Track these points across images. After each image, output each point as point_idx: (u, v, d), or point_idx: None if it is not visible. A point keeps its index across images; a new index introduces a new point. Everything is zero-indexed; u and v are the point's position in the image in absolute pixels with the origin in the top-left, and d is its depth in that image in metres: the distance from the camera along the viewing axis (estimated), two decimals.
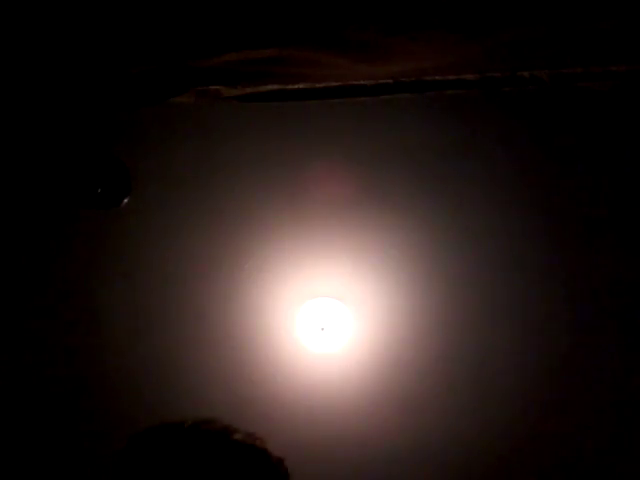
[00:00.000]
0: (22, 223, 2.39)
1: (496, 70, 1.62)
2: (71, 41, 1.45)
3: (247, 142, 2.33)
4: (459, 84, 1.66)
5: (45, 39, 1.44)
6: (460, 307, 2.55)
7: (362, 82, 1.70)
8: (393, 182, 2.40)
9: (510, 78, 1.62)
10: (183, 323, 2.61)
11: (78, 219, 2.40)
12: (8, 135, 1.90)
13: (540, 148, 2.34)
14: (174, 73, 1.59)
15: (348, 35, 1.43)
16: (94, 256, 2.51)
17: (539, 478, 2.74)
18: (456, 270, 2.51)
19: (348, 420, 2.72)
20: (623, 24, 1.42)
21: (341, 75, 1.67)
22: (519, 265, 2.50)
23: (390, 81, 1.67)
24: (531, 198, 2.41)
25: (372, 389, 2.66)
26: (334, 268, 2.55)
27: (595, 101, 2.15)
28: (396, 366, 2.63)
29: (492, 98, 2.15)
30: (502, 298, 2.54)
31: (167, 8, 1.36)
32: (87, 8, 1.35)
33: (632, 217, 2.39)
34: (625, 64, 1.59)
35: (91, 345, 2.62)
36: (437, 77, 1.66)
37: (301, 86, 1.72)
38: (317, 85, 1.71)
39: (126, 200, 2.10)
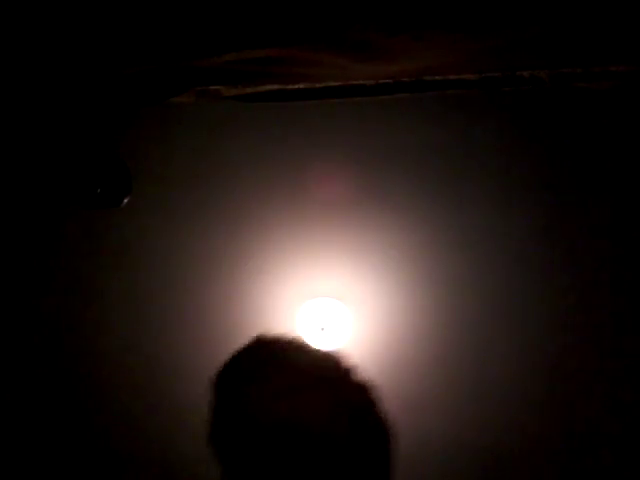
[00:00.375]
0: (22, 223, 2.39)
1: (496, 70, 1.63)
2: (71, 41, 1.45)
3: (247, 142, 2.34)
4: (459, 84, 1.66)
5: (45, 39, 1.44)
6: (460, 307, 2.55)
7: (362, 82, 1.70)
8: (393, 182, 2.40)
9: (510, 78, 1.63)
10: (183, 323, 2.61)
11: (78, 219, 2.40)
12: (9, 135, 1.90)
13: (540, 148, 2.34)
14: (174, 73, 1.59)
15: (348, 35, 1.43)
16: (94, 256, 2.51)
17: (539, 478, 2.74)
18: (456, 270, 2.51)
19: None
20: (623, 24, 1.42)
21: (341, 75, 1.68)
22: (519, 265, 2.50)
23: (390, 81, 1.67)
24: (531, 198, 2.41)
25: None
26: (334, 268, 2.55)
27: (595, 101, 2.15)
28: (396, 366, 2.63)
29: (492, 98, 2.15)
30: (502, 298, 2.54)
31: (167, 8, 1.37)
32: (87, 8, 1.35)
33: (632, 217, 2.39)
34: (625, 64, 1.59)
35: (91, 345, 2.63)
36: (437, 77, 1.66)
37: (301, 86, 1.72)
38: (317, 85, 1.72)
39: (126, 200, 2.10)
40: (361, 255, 2.51)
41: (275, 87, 1.72)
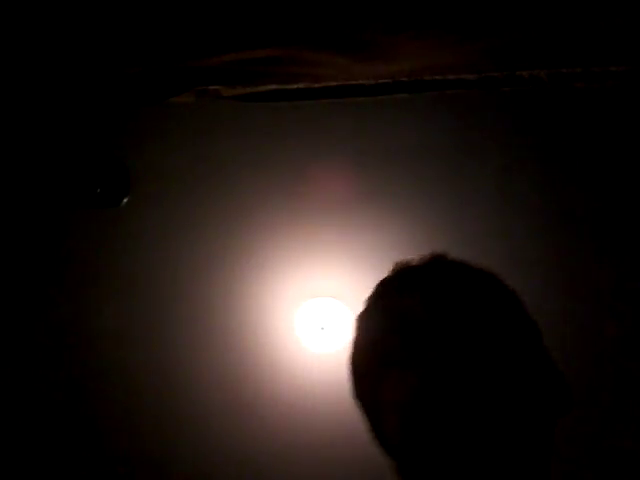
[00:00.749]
0: (21, 223, 2.39)
1: (495, 70, 1.63)
2: (70, 41, 1.45)
3: (247, 142, 2.34)
4: (458, 84, 1.66)
5: (45, 39, 1.44)
6: None
7: (362, 82, 1.70)
8: (392, 182, 2.40)
9: (509, 78, 1.63)
10: (182, 323, 2.61)
11: (78, 219, 2.40)
12: (8, 135, 1.90)
13: (539, 148, 2.34)
14: (174, 73, 1.59)
15: (348, 35, 1.43)
16: (93, 256, 2.51)
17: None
18: None
19: (347, 419, 2.71)
20: (623, 24, 1.42)
21: (341, 75, 1.68)
22: (519, 265, 2.50)
23: (390, 81, 1.67)
24: (530, 198, 2.41)
25: None
26: (334, 268, 2.55)
27: (594, 101, 2.15)
28: None
29: (491, 98, 2.15)
30: None
31: (167, 8, 1.37)
32: (87, 8, 1.35)
33: (633, 217, 2.39)
34: (625, 64, 1.59)
35: (90, 344, 2.63)
36: (436, 77, 1.66)
37: (301, 86, 1.72)
38: (317, 85, 1.72)
39: (126, 200, 2.10)
40: (361, 255, 2.51)
41: (275, 87, 1.72)
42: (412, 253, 2.65)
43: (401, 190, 2.42)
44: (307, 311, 2.60)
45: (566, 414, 0.91)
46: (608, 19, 1.41)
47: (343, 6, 1.35)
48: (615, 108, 2.18)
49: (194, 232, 2.48)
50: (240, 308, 2.60)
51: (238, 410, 2.73)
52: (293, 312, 2.61)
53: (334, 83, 1.71)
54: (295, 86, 1.72)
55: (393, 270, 1.02)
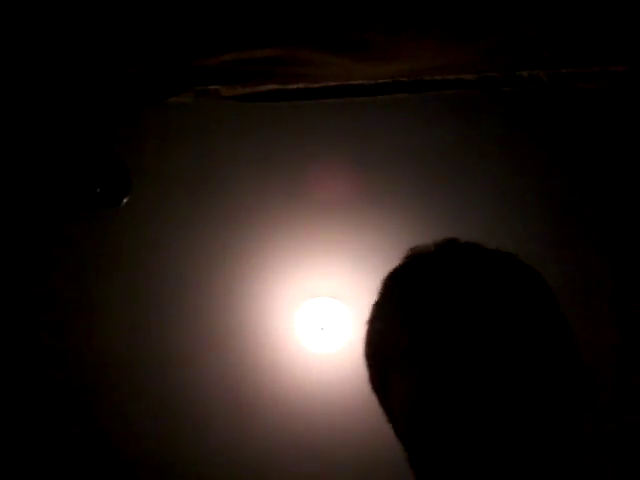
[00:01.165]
0: (21, 223, 2.39)
1: (495, 70, 1.63)
2: (70, 41, 1.45)
3: (247, 142, 2.33)
4: (458, 84, 1.66)
5: (45, 39, 1.44)
6: None
7: (362, 82, 1.70)
8: (392, 182, 2.40)
9: (509, 78, 1.63)
10: (182, 323, 2.61)
11: (78, 219, 2.40)
12: (8, 135, 1.90)
13: (539, 148, 2.34)
14: (174, 73, 1.59)
15: (348, 35, 1.43)
16: (93, 256, 2.51)
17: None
18: None
19: (347, 419, 2.72)
20: (622, 24, 1.42)
21: (341, 75, 1.67)
22: None
23: (389, 81, 1.67)
24: (531, 198, 2.41)
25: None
26: (334, 268, 2.55)
27: (594, 101, 2.15)
28: None
29: (491, 98, 2.15)
30: None
31: (167, 8, 1.37)
32: (86, 8, 1.35)
33: (632, 216, 2.39)
34: (625, 64, 1.59)
35: (90, 345, 2.63)
36: (437, 77, 1.66)
37: (301, 86, 1.72)
38: (317, 85, 1.72)
39: (125, 200, 2.10)
40: (361, 255, 2.51)
41: (275, 87, 1.72)
42: None
43: (401, 190, 2.42)
44: (307, 311, 2.60)
45: (589, 408, 0.89)
46: (608, 19, 1.41)
47: (343, 6, 1.35)
48: (615, 108, 2.18)
49: (194, 232, 2.48)
50: (240, 308, 2.60)
51: (238, 410, 2.73)
52: (293, 312, 2.61)
53: (334, 83, 1.71)
54: (295, 86, 1.72)
55: (406, 258, 0.99)
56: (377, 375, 0.93)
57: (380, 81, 1.68)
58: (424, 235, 2.61)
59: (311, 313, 2.60)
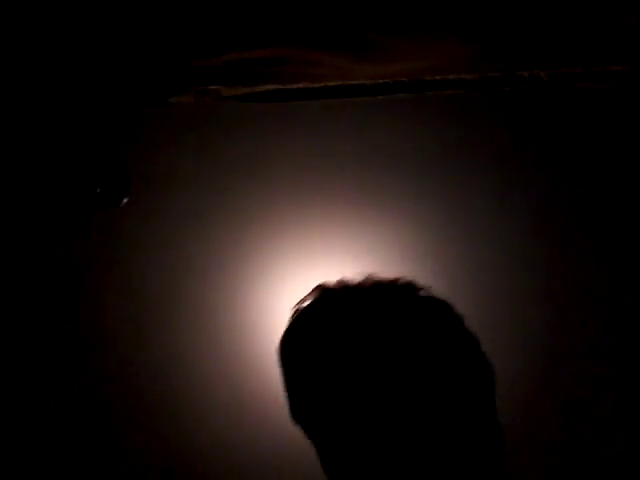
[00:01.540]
0: (21, 223, 2.39)
1: (496, 70, 1.63)
2: (72, 41, 1.45)
3: (247, 142, 2.33)
4: (459, 84, 1.66)
5: (46, 39, 1.44)
6: (460, 308, 2.54)
7: (362, 82, 1.70)
8: (393, 181, 2.40)
9: (510, 78, 1.63)
10: (182, 323, 2.61)
11: (78, 219, 2.40)
12: (9, 136, 1.90)
13: (540, 147, 2.34)
14: (174, 73, 1.59)
15: (348, 35, 1.43)
16: (94, 256, 2.51)
17: (540, 478, 2.74)
18: (456, 270, 2.51)
19: None
20: (623, 24, 1.42)
21: (341, 75, 1.68)
22: (520, 265, 2.50)
23: (390, 81, 1.67)
24: (531, 198, 2.41)
25: None
26: (334, 268, 2.55)
27: (595, 101, 2.15)
28: None
29: (492, 98, 2.15)
30: (502, 298, 2.54)
31: (167, 8, 1.37)
32: (88, 8, 1.35)
33: (632, 216, 2.39)
34: (625, 64, 1.59)
35: (90, 345, 2.63)
36: (437, 77, 1.66)
37: (301, 86, 1.72)
38: (317, 85, 1.72)
39: (125, 200, 2.10)
40: (361, 255, 2.51)
41: (275, 87, 1.72)
42: (412, 253, 2.66)
43: (401, 190, 2.42)
44: None
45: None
46: (608, 19, 1.41)
47: (343, 6, 1.36)
48: (615, 108, 2.18)
49: (194, 232, 2.48)
50: (240, 308, 2.60)
51: (238, 410, 2.73)
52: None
53: (334, 83, 1.71)
54: (295, 86, 1.72)
55: (312, 294, 0.99)
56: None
57: (380, 81, 1.68)
58: (424, 235, 2.62)
59: None
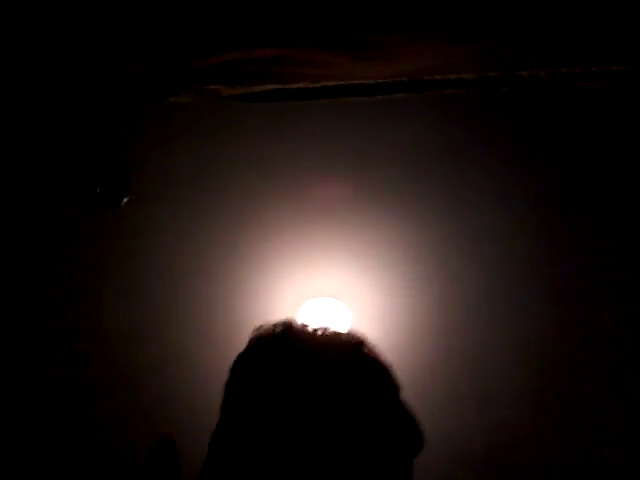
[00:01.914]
0: (21, 223, 2.39)
1: (495, 70, 1.63)
2: (71, 41, 1.45)
3: (247, 142, 2.33)
4: (459, 84, 1.66)
5: (46, 39, 1.44)
6: (460, 307, 2.54)
7: (362, 82, 1.70)
8: (393, 181, 2.40)
9: (509, 78, 1.63)
10: (182, 323, 2.61)
11: (78, 219, 2.40)
12: (8, 135, 1.90)
13: (539, 148, 2.34)
14: (174, 73, 1.59)
15: (348, 35, 1.43)
16: (94, 256, 2.51)
17: (539, 478, 2.74)
18: (456, 270, 2.51)
19: None
20: (623, 24, 1.42)
21: (341, 75, 1.68)
22: (519, 265, 2.50)
23: (390, 81, 1.67)
24: (530, 198, 2.41)
25: None
26: (334, 268, 2.55)
27: (594, 101, 2.15)
28: (395, 366, 2.62)
29: (492, 98, 2.15)
30: (502, 298, 2.54)
31: (167, 8, 1.36)
32: (87, 8, 1.35)
33: (633, 216, 2.39)
34: (624, 64, 1.59)
35: (90, 345, 2.62)
36: (437, 77, 1.66)
37: (301, 86, 1.72)
38: (317, 85, 1.72)
39: (125, 200, 2.10)
40: (361, 255, 2.51)
41: (275, 87, 1.72)
42: (412, 253, 2.66)
43: (401, 190, 2.42)
44: (307, 311, 2.60)
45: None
46: (608, 19, 1.41)
47: (343, 6, 1.35)
48: (615, 108, 2.18)
49: (194, 232, 2.48)
50: (240, 308, 2.60)
51: None
52: (293, 312, 2.61)
53: (334, 83, 1.71)
54: (295, 86, 1.72)
55: (249, 342, 1.01)
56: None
57: (380, 81, 1.68)
58: (424, 235, 2.62)
59: (311, 313, 2.60)
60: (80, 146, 2.01)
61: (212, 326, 2.62)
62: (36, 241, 2.46)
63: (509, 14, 1.38)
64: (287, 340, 0.93)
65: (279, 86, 1.71)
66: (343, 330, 0.98)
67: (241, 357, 0.97)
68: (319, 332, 0.95)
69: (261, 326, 0.98)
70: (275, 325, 0.96)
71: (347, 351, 0.95)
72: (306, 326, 0.96)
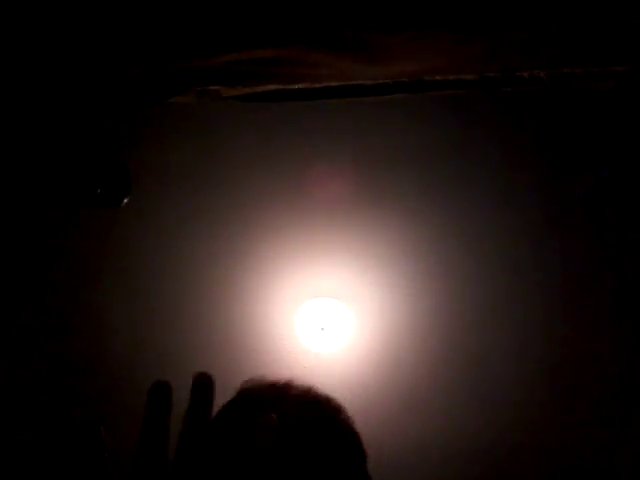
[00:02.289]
0: (21, 223, 2.39)
1: (496, 70, 1.62)
2: (71, 41, 1.45)
3: (247, 142, 2.34)
4: (459, 84, 1.66)
5: (45, 39, 1.44)
6: (460, 307, 2.55)
7: (362, 82, 1.70)
8: (393, 182, 2.40)
9: (510, 78, 1.63)
10: (182, 322, 2.61)
11: (78, 219, 2.40)
12: (8, 135, 1.90)
13: (540, 148, 2.34)
14: (174, 73, 1.59)
15: (348, 35, 1.43)
16: (94, 256, 2.51)
17: (540, 479, 2.75)
18: (456, 270, 2.51)
19: None
20: (623, 24, 1.42)
21: (341, 75, 1.67)
22: (519, 265, 2.50)
23: (390, 81, 1.67)
24: (531, 198, 2.42)
25: (372, 389, 2.66)
26: (334, 268, 2.55)
27: (595, 101, 2.15)
28: (396, 366, 2.63)
29: (492, 98, 2.15)
30: (502, 297, 2.54)
31: (167, 8, 1.37)
32: (87, 8, 1.35)
33: (633, 216, 2.39)
34: (625, 64, 1.59)
35: (90, 345, 2.63)
36: (437, 77, 1.66)
37: (301, 86, 1.72)
38: (317, 85, 1.71)
39: (126, 200, 2.10)
40: (361, 255, 2.51)
41: (275, 87, 1.72)
42: (412, 253, 2.67)
43: (401, 190, 2.42)
44: (307, 311, 2.60)
45: None
46: (608, 19, 1.40)
47: (343, 6, 1.35)
48: (615, 108, 2.18)
49: (194, 232, 2.48)
50: (240, 308, 2.60)
51: None
52: (294, 312, 2.61)
53: (334, 83, 1.71)
54: (295, 86, 1.72)
55: (238, 393, 1.02)
56: None
57: (380, 81, 1.68)
58: (424, 235, 2.63)
59: (311, 313, 2.60)
60: (80, 146, 2.01)
61: (212, 326, 2.63)
62: (36, 241, 2.46)
63: (509, 14, 1.38)
64: (265, 402, 0.95)
65: (280, 86, 1.71)
66: (324, 394, 1.01)
67: (222, 410, 0.98)
68: (304, 392, 0.98)
69: (253, 378, 0.99)
70: (263, 383, 0.97)
71: (322, 422, 0.98)
72: (290, 387, 0.97)
